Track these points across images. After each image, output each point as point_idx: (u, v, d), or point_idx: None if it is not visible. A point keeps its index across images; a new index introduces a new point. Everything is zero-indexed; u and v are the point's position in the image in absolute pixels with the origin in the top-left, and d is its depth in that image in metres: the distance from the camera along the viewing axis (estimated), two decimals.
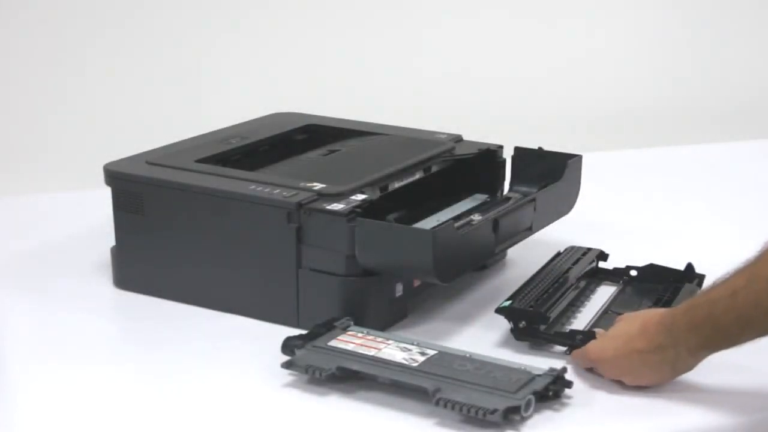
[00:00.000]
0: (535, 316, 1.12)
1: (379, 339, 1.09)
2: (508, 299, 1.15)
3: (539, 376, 1.02)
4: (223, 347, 1.15)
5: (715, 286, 0.99)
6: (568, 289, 1.22)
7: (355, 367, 1.04)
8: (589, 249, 1.32)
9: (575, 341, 1.10)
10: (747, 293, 0.94)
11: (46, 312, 1.24)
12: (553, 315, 1.16)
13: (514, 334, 1.13)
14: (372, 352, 1.06)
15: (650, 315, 1.05)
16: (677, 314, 1.01)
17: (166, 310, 1.23)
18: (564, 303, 1.19)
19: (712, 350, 1.00)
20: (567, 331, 1.13)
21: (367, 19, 1.95)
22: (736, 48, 2.28)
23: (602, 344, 1.07)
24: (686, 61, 2.25)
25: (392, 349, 1.07)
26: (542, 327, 1.12)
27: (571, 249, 1.32)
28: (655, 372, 1.03)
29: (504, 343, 1.15)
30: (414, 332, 1.17)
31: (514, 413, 0.97)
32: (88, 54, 1.76)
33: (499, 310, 1.13)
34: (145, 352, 1.15)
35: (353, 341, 1.09)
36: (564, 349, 1.11)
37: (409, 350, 1.07)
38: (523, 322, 1.12)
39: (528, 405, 0.98)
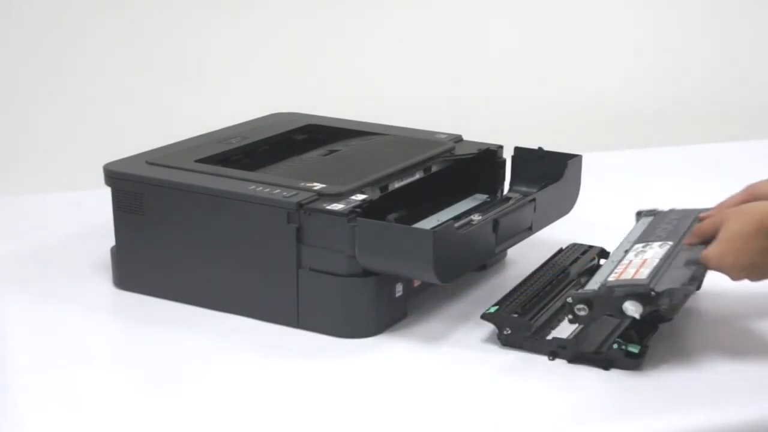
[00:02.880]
0: (519, 324, 1.12)
1: None
2: (496, 304, 1.15)
3: None
4: (223, 347, 1.15)
5: None
6: (565, 287, 1.22)
7: None
8: (591, 246, 1.32)
9: (557, 350, 1.10)
10: None
11: (46, 312, 1.23)
12: (542, 319, 1.15)
13: (500, 340, 1.13)
14: None
15: (761, 211, 1.06)
16: None
17: (166, 310, 1.23)
18: (558, 304, 1.19)
19: None
20: (551, 338, 1.13)
21: (367, 19, 1.95)
22: (736, 48, 2.28)
23: (720, 250, 1.07)
24: (687, 61, 2.25)
25: None
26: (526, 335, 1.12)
27: (573, 246, 1.32)
28: None
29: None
30: (414, 332, 1.17)
31: None
32: (88, 54, 1.76)
33: (485, 316, 1.14)
34: (144, 352, 1.15)
35: None
36: (546, 357, 1.11)
37: None
38: (508, 329, 1.12)
39: None
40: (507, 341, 1.13)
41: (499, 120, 2.01)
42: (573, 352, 1.10)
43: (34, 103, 1.75)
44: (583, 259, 1.29)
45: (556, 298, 1.19)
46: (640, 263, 1.12)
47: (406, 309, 1.21)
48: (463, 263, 1.18)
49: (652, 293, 1.05)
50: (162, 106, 1.81)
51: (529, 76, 2.11)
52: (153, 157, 1.30)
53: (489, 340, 1.15)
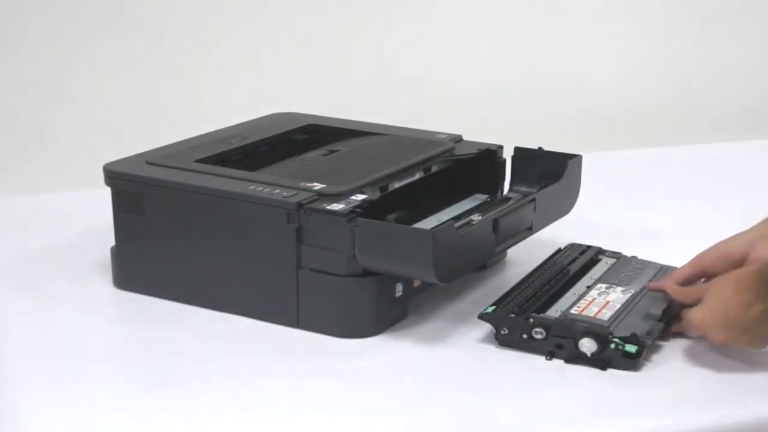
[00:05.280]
0: (516, 324, 1.12)
1: None
2: (493, 303, 1.16)
3: None
4: (224, 347, 1.15)
5: None
6: (562, 287, 1.22)
7: None
8: (589, 246, 1.32)
9: (554, 350, 1.10)
10: None
11: (46, 312, 1.24)
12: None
13: (497, 340, 1.13)
14: None
15: (738, 273, 1.07)
16: (764, 265, 1.04)
17: (166, 310, 1.23)
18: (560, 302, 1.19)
19: None
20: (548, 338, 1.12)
21: (367, 19, 1.95)
22: (736, 48, 2.28)
23: (702, 314, 1.08)
24: (686, 61, 2.25)
25: None
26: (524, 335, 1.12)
27: (572, 246, 1.32)
28: (763, 324, 1.04)
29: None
30: (414, 332, 1.17)
31: None
32: (88, 53, 1.76)
33: (482, 316, 1.14)
34: (144, 352, 1.15)
35: None
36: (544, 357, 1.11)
37: None
38: (505, 329, 1.13)
39: None
40: (504, 341, 1.13)
41: (499, 120, 2.01)
42: (570, 353, 1.10)
43: (34, 103, 1.75)
44: (581, 259, 1.29)
45: (553, 299, 1.19)
46: (603, 304, 1.16)
47: (406, 309, 1.21)
48: (463, 263, 1.18)
49: (609, 336, 1.08)
50: (162, 106, 1.81)
51: (529, 76, 2.11)
52: (153, 157, 1.30)
53: (488, 340, 1.15)
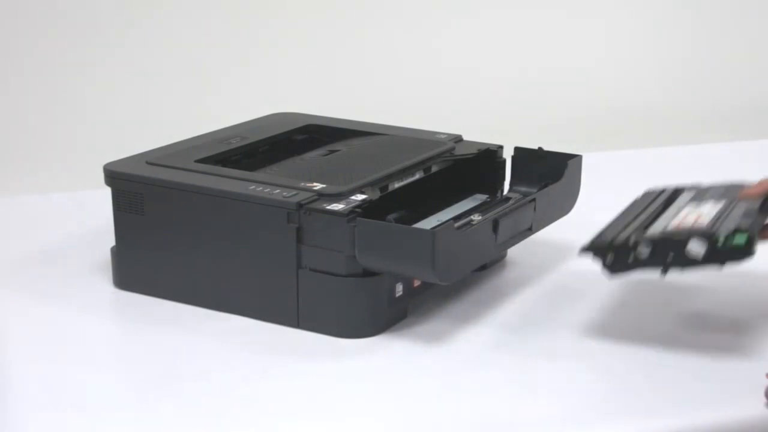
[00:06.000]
0: (621, 247, 1.09)
1: None
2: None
3: None
4: (223, 347, 1.15)
5: None
6: (654, 215, 1.19)
7: None
8: (664, 190, 1.29)
9: (667, 262, 1.08)
10: None
11: (46, 312, 1.24)
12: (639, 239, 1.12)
13: (606, 270, 1.10)
14: None
15: None
16: None
17: (166, 310, 1.23)
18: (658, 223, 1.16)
19: None
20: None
21: (367, 19, 1.95)
22: (736, 48, 2.28)
23: None
24: (686, 61, 2.25)
25: None
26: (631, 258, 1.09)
27: (649, 191, 1.30)
28: None
29: (505, 343, 1.15)
30: (414, 332, 1.17)
31: None
32: (87, 53, 1.76)
33: (584, 250, 1.11)
34: (144, 352, 1.15)
35: None
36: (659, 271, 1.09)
37: None
38: (611, 256, 1.10)
39: None
40: (613, 269, 1.10)
41: (499, 120, 2.01)
42: (681, 261, 1.07)
43: (33, 103, 1.75)
44: (663, 195, 1.27)
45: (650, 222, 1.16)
46: (698, 215, 1.13)
47: (406, 309, 1.21)
48: (463, 263, 1.18)
49: (714, 235, 1.05)
50: (162, 106, 1.81)
51: (529, 76, 2.11)
52: (153, 157, 1.30)
53: (488, 340, 1.15)
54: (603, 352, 1.14)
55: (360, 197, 1.17)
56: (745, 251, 1.06)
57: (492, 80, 2.06)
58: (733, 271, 1.32)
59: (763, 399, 1.02)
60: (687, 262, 1.07)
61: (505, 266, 1.37)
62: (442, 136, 1.42)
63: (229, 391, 1.06)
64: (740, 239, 1.05)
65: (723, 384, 1.06)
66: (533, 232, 1.28)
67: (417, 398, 1.05)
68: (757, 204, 1.16)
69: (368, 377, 1.09)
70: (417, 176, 1.30)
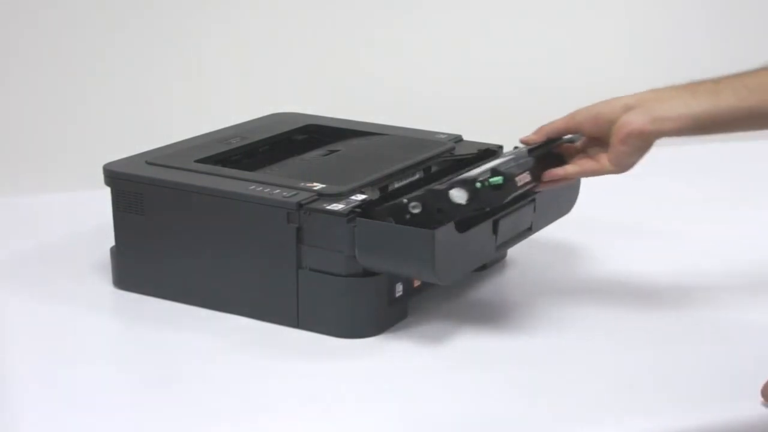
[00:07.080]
0: (394, 208, 1.12)
1: None
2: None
3: None
4: (223, 347, 1.15)
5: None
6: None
7: None
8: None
9: (439, 217, 1.09)
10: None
11: (46, 312, 1.24)
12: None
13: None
14: None
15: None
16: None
17: (166, 310, 1.23)
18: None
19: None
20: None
21: (367, 18, 1.95)
22: (736, 48, 2.27)
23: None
24: (687, 61, 2.24)
25: None
26: None
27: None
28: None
29: (505, 344, 1.15)
30: (414, 332, 1.17)
31: None
32: (87, 53, 1.76)
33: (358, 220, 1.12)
34: (144, 352, 1.15)
35: None
36: None
37: None
38: (390, 219, 1.12)
39: None
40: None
41: (499, 120, 2.01)
42: (451, 211, 1.10)
43: (34, 103, 1.75)
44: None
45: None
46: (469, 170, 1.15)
47: (406, 309, 1.21)
48: (463, 263, 1.18)
49: (474, 180, 1.09)
50: (162, 106, 1.81)
51: (529, 76, 2.10)
52: (153, 157, 1.30)
53: (489, 340, 1.15)
54: (603, 352, 1.14)
55: (360, 197, 1.16)
56: (504, 191, 1.09)
57: (492, 80, 2.06)
58: (734, 271, 1.32)
59: (761, 399, 1.02)
60: (455, 209, 1.10)
61: (505, 266, 1.37)
62: (442, 136, 1.42)
63: (228, 390, 1.06)
64: (497, 180, 1.08)
65: (722, 384, 1.06)
66: (533, 232, 1.28)
67: (417, 398, 1.05)
68: (526, 148, 1.19)
69: (368, 377, 1.09)
70: (417, 176, 1.30)
